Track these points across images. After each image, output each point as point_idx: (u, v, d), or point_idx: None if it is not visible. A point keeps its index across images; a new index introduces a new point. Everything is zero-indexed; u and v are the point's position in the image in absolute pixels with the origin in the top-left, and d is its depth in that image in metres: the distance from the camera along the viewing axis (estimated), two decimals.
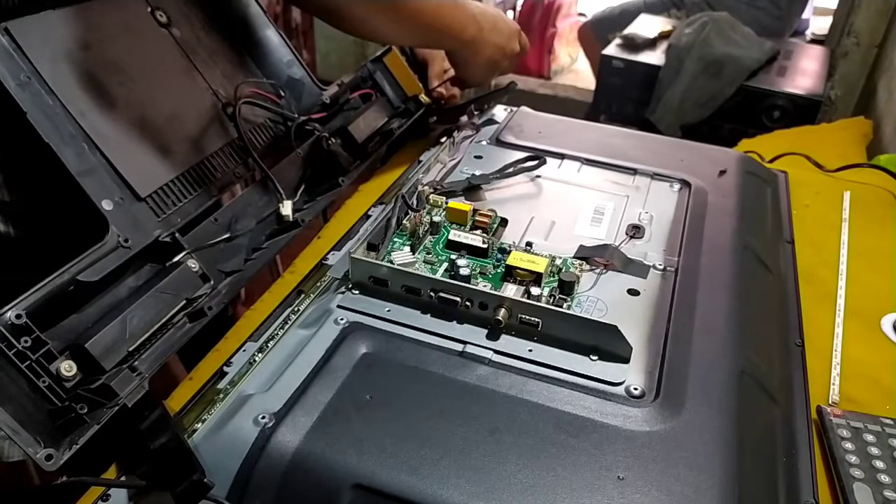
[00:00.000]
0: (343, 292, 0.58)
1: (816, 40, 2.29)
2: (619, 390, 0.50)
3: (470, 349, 0.53)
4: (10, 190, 0.56)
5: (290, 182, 0.67)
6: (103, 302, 0.48)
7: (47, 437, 0.41)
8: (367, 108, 0.78)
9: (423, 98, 0.85)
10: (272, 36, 0.74)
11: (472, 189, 0.73)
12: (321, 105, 0.75)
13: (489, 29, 0.82)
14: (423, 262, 0.62)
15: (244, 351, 0.55)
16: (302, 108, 0.74)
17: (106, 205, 0.51)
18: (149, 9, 0.62)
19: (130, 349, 0.47)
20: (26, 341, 0.42)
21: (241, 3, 0.72)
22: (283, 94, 0.72)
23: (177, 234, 0.54)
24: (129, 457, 0.47)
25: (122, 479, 0.46)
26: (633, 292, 0.60)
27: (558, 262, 0.62)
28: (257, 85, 0.70)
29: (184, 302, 0.51)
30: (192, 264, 0.53)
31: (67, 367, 0.43)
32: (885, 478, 0.49)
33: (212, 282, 0.54)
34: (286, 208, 0.64)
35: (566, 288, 0.58)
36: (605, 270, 0.62)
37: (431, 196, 0.70)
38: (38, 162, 0.50)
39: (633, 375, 0.51)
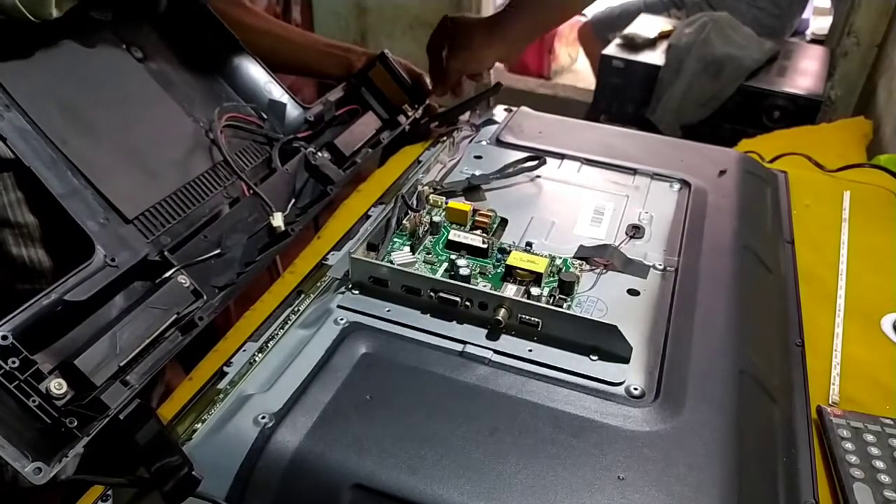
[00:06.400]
0: (343, 292, 0.58)
1: (816, 40, 2.29)
2: (619, 390, 0.50)
3: (470, 349, 0.53)
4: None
5: (279, 197, 0.68)
6: (93, 321, 0.48)
7: (35, 451, 0.41)
8: (354, 123, 0.78)
9: (409, 109, 0.86)
10: (247, 61, 0.75)
11: (472, 189, 0.73)
12: (306, 123, 0.75)
13: None
14: (423, 262, 0.62)
15: (244, 351, 0.55)
16: (287, 128, 0.75)
17: (91, 225, 0.51)
18: (123, 46, 0.64)
19: (121, 364, 0.46)
20: (14, 362, 0.41)
21: (214, 33, 0.73)
22: (264, 116, 0.73)
23: (166, 253, 0.54)
24: (124, 467, 0.46)
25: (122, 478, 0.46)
26: (633, 292, 0.60)
27: (558, 262, 0.62)
28: (237, 109, 0.71)
29: (175, 316, 0.51)
30: (183, 280, 0.53)
31: (57, 386, 0.43)
32: (885, 478, 0.49)
33: (204, 297, 0.54)
34: (277, 220, 0.63)
35: (566, 288, 0.58)
36: (605, 270, 0.62)
37: (431, 196, 0.70)
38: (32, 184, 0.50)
39: (633, 375, 0.51)
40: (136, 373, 0.47)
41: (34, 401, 0.42)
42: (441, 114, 0.90)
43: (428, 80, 0.90)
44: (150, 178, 0.59)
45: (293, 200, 0.69)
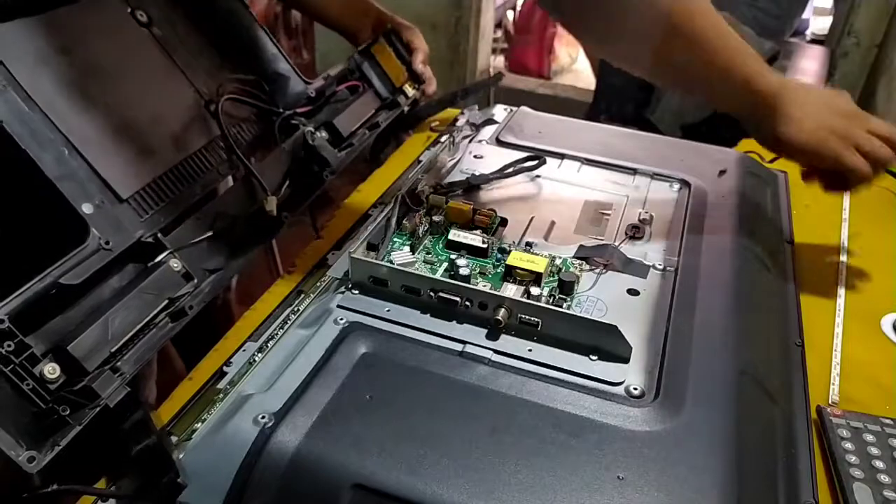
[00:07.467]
0: (343, 292, 0.58)
1: (816, 40, 2.29)
2: (619, 390, 0.50)
3: (470, 349, 0.53)
4: None
5: (274, 177, 0.67)
6: (86, 304, 0.48)
7: (29, 439, 0.41)
8: (354, 101, 0.77)
9: (409, 89, 0.85)
10: (255, 31, 0.73)
11: (472, 189, 0.73)
12: (307, 99, 0.74)
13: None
14: (423, 262, 0.62)
15: (244, 351, 0.55)
16: (287, 102, 0.73)
17: (86, 208, 0.51)
18: (129, 9, 0.62)
19: (113, 350, 0.47)
20: (9, 345, 0.41)
21: (223, 0, 0.71)
22: (266, 88, 0.72)
23: (159, 235, 0.54)
24: (112, 463, 0.46)
25: (112, 488, 0.46)
26: (632, 292, 0.60)
27: (558, 262, 0.62)
28: (240, 81, 0.69)
29: (166, 301, 0.51)
30: (175, 264, 0.53)
31: (51, 370, 0.43)
32: (885, 478, 0.49)
33: (195, 280, 0.54)
34: (270, 204, 0.63)
35: (566, 288, 0.58)
36: (604, 270, 0.62)
37: (431, 196, 0.70)
38: (15, 166, 0.49)
39: (632, 375, 0.51)
40: (127, 360, 0.48)
41: (28, 384, 0.42)
42: (440, 99, 0.90)
43: (422, 56, 0.89)
44: (146, 155, 0.58)
45: (287, 181, 0.68)
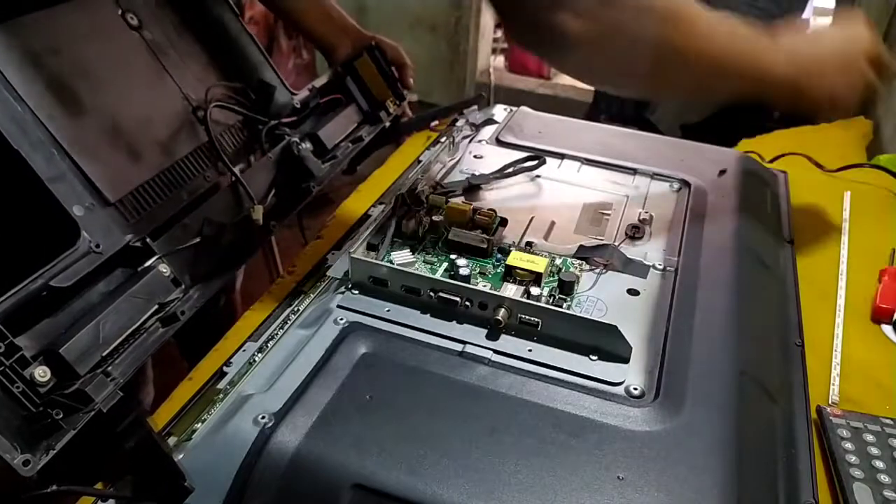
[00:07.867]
0: (343, 292, 0.58)
1: None
2: (619, 390, 0.50)
3: (470, 349, 0.53)
4: None
5: (260, 186, 0.67)
6: (76, 307, 0.48)
7: (23, 443, 0.41)
8: (337, 114, 0.78)
9: (391, 105, 0.85)
10: (244, 39, 0.74)
11: (472, 189, 0.73)
12: (292, 109, 0.75)
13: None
14: (423, 262, 0.62)
15: (244, 351, 0.55)
16: (273, 111, 0.74)
17: (77, 210, 0.50)
18: (119, 11, 0.62)
19: (104, 354, 0.46)
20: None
21: (214, 6, 0.72)
22: (253, 97, 0.72)
23: (147, 239, 0.54)
24: (110, 466, 0.46)
25: (111, 489, 0.46)
26: (632, 292, 0.60)
27: (558, 262, 0.62)
28: (226, 87, 0.70)
29: (156, 307, 0.51)
30: (164, 269, 0.53)
31: (42, 373, 0.43)
32: (885, 478, 0.49)
33: (183, 286, 0.54)
34: (257, 213, 0.63)
35: (566, 288, 0.58)
36: (604, 270, 0.62)
37: (431, 196, 0.70)
38: (6, 166, 0.49)
39: (632, 375, 0.51)
40: (119, 365, 0.47)
41: (18, 387, 0.42)
42: (421, 116, 0.90)
43: (410, 72, 0.89)
44: (134, 159, 0.58)
45: (273, 191, 0.68)
